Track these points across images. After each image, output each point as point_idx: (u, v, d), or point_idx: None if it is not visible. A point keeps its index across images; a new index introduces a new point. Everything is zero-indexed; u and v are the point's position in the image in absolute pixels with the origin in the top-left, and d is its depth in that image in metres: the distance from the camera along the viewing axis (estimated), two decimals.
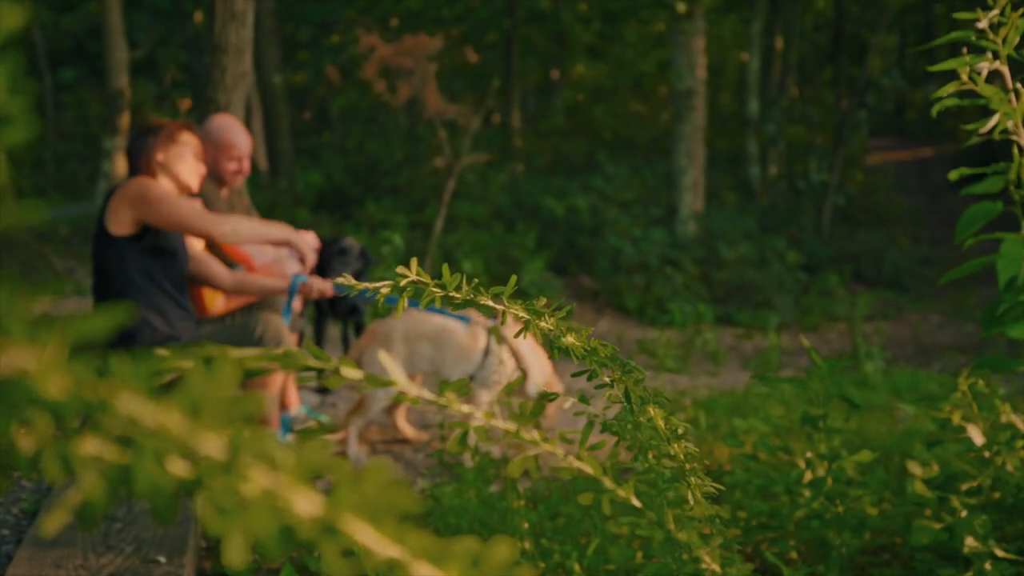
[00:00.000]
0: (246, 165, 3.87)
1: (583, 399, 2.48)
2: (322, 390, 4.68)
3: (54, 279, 7.52)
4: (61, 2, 20.56)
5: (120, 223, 2.94)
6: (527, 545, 2.23)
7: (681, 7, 10.67)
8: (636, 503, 0.73)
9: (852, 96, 13.81)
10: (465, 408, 0.68)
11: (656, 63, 22.85)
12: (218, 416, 0.39)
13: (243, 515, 0.37)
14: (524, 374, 3.51)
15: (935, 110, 1.74)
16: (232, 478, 0.38)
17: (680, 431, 1.79)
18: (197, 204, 3.11)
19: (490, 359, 3.52)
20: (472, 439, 2.95)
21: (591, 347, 1.24)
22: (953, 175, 1.75)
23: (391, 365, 0.63)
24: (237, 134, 3.85)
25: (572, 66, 23.71)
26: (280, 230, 3.23)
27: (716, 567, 0.71)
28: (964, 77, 1.65)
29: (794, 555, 2.33)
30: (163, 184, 3.05)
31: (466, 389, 0.69)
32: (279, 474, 0.39)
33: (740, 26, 22.35)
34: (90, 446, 0.38)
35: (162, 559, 2.15)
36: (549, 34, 19.94)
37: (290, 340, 3.13)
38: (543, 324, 1.12)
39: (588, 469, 0.69)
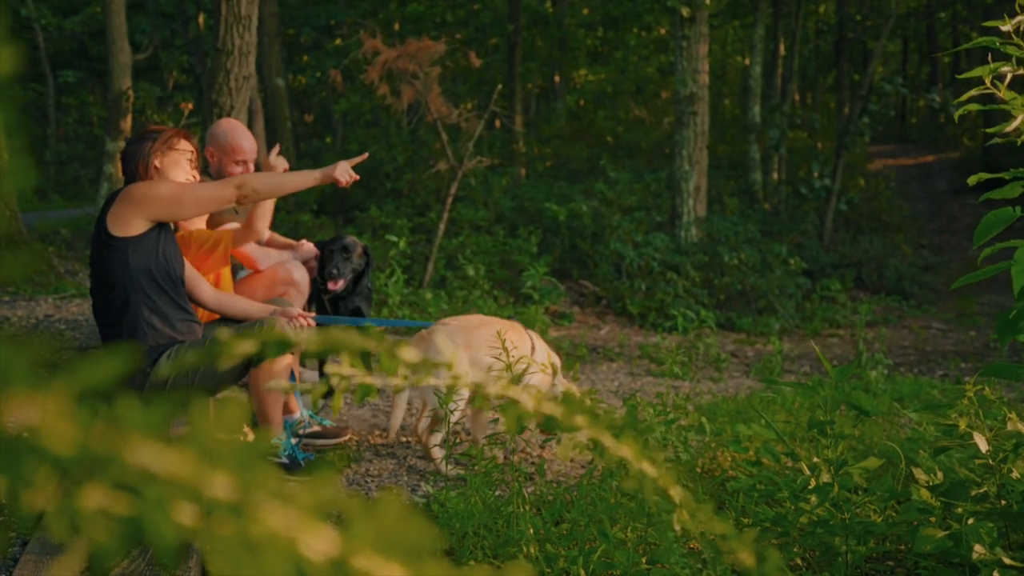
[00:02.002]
0: (251, 168, 3.89)
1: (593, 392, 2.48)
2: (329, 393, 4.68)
3: (56, 282, 7.52)
4: (64, 4, 20.59)
5: (126, 225, 2.94)
6: (532, 551, 2.23)
7: (685, 11, 10.68)
8: (675, 493, 0.72)
9: (854, 102, 13.81)
10: (516, 390, 0.68)
11: (658, 68, 22.88)
12: (229, 457, 0.38)
13: (254, 558, 0.37)
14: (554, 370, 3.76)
15: (957, 115, 1.76)
16: (243, 520, 0.37)
17: (659, 461, 1.78)
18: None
19: (535, 356, 3.69)
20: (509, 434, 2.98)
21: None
22: (972, 180, 1.76)
23: (446, 346, 0.63)
24: (243, 138, 3.87)
25: (574, 71, 23.73)
26: (299, 178, 3.23)
27: (752, 561, 0.70)
28: (988, 83, 1.66)
29: (798, 561, 2.32)
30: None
31: (518, 378, 0.69)
32: (292, 513, 0.39)
33: (742, 31, 22.37)
34: (96, 499, 0.38)
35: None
36: (552, 39, 19.96)
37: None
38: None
39: (629, 454, 0.68)
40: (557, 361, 3.86)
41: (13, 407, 0.38)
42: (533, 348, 3.72)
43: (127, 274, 2.95)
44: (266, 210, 3.60)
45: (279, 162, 3.72)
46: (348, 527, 0.41)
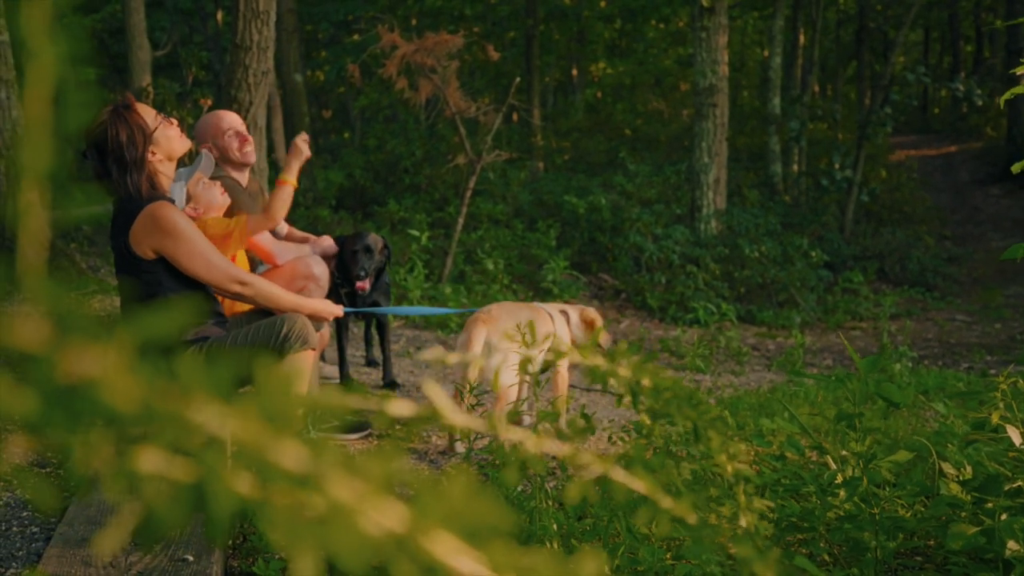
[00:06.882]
0: (244, 133, 3.98)
1: (587, 417, 2.48)
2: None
3: (78, 278, 7.57)
4: (84, 2, 20.70)
5: (148, 250, 2.94)
6: (555, 546, 2.21)
7: (705, 1, 10.60)
8: (693, 520, 0.70)
9: (876, 92, 13.68)
10: (516, 435, 0.67)
11: (677, 60, 22.78)
12: (296, 423, 0.36)
13: (320, 531, 0.35)
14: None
15: (1003, 98, 1.71)
16: (310, 490, 0.35)
17: (734, 452, 1.76)
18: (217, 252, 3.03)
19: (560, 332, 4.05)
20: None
21: (662, 387, 1.18)
22: (1017, 167, 1.71)
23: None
24: (221, 115, 3.99)
25: (593, 64, 23.66)
26: (296, 302, 3.17)
27: None
28: None
29: (826, 557, 2.29)
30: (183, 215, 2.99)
31: (516, 416, 0.67)
32: (360, 485, 0.37)
33: (762, 22, 22.21)
34: (155, 462, 0.36)
35: (190, 557, 2.15)
36: (569, 32, 19.89)
37: (315, 339, 3.12)
38: (622, 371, 1.08)
39: (642, 488, 0.66)
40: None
41: (71, 358, 0.36)
42: (568, 321, 4.08)
43: (161, 290, 2.98)
44: (285, 197, 3.62)
45: (303, 147, 3.74)
46: (416, 502, 0.39)
